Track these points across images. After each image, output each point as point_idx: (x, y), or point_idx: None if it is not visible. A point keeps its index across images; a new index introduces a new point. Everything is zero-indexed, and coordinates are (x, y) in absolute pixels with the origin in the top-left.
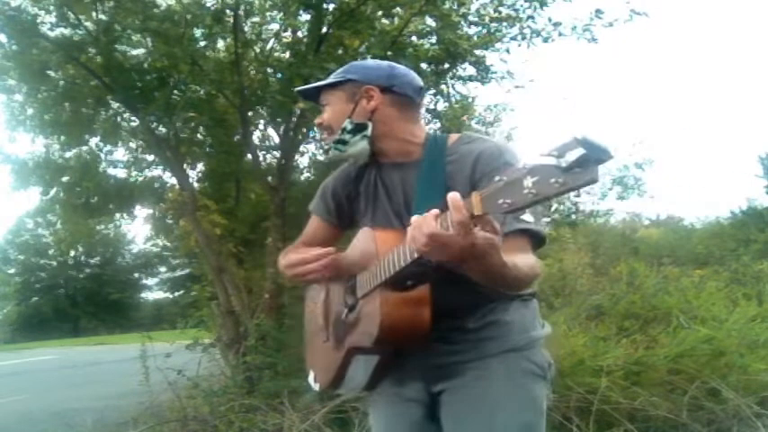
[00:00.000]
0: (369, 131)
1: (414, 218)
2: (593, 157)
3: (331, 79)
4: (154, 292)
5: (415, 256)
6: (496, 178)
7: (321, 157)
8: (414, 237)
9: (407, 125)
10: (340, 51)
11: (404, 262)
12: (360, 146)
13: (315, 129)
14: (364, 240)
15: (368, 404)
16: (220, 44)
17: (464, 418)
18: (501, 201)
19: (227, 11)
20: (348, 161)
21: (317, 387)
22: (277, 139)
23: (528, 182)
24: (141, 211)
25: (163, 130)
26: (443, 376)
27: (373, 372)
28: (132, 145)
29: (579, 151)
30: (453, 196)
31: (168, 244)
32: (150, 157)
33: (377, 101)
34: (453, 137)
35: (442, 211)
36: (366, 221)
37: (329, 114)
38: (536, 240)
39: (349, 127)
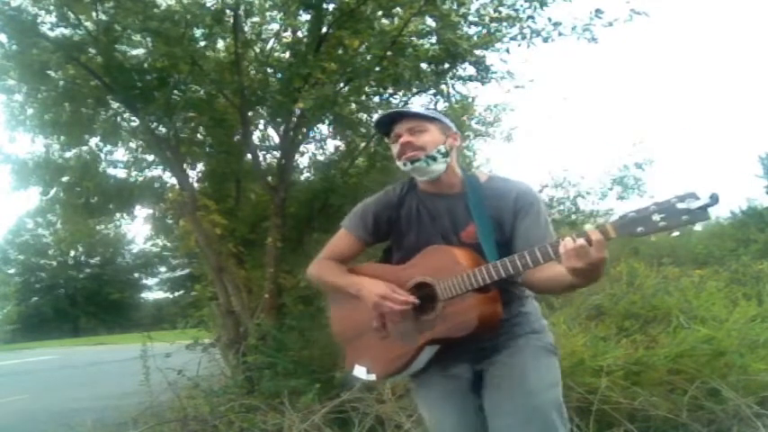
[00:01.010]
0: (449, 159)
1: (565, 242)
2: (712, 204)
3: (431, 114)
4: (154, 292)
5: (520, 267)
6: (629, 213)
7: (321, 158)
8: (571, 252)
9: (456, 165)
10: (340, 51)
11: (506, 273)
12: (441, 167)
13: (314, 129)
14: (439, 255)
15: (415, 386)
16: (220, 44)
17: (504, 383)
18: (638, 228)
19: (227, 11)
20: (389, 187)
21: (371, 377)
22: (277, 139)
23: (656, 216)
24: (141, 211)
25: (163, 130)
26: (485, 356)
27: (432, 357)
28: (132, 145)
29: (706, 200)
30: (591, 229)
31: (168, 244)
32: (150, 157)
33: (457, 143)
34: (482, 176)
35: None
36: (409, 240)
37: (427, 138)
38: None
39: (443, 150)
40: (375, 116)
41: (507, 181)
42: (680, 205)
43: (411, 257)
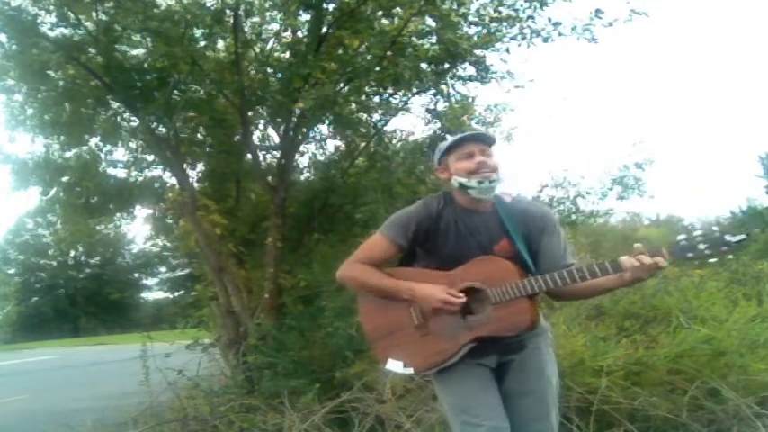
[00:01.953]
0: None
1: (626, 258)
2: (746, 240)
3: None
4: (154, 292)
5: (577, 279)
6: (681, 241)
7: (321, 158)
8: (640, 267)
9: None
10: (340, 51)
11: (563, 283)
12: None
13: (314, 129)
14: (491, 264)
15: (442, 377)
16: (220, 44)
17: (528, 374)
18: (689, 254)
19: (227, 11)
20: (426, 199)
21: (407, 371)
22: (277, 139)
23: (702, 246)
24: (141, 211)
25: (163, 130)
26: (511, 350)
27: (467, 351)
28: (132, 145)
29: (741, 236)
30: (644, 256)
31: (168, 244)
32: (150, 157)
33: None
34: (507, 197)
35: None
36: (446, 250)
37: (496, 161)
38: None
39: (502, 172)
40: (448, 142)
41: (530, 203)
42: (723, 238)
43: (448, 266)
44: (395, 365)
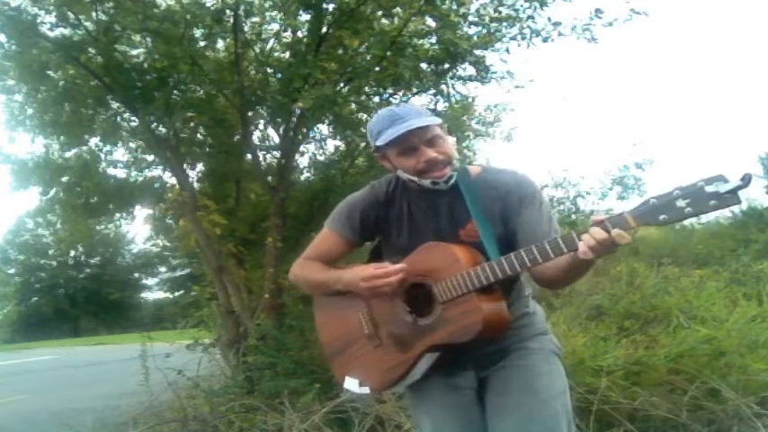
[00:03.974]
0: None
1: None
2: (743, 186)
3: (436, 120)
4: (154, 292)
5: (528, 264)
6: (650, 199)
7: (321, 158)
8: (593, 243)
9: None
10: (340, 51)
11: (512, 270)
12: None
13: (314, 129)
14: (435, 253)
15: (412, 398)
16: (220, 44)
17: (512, 386)
18: (661, 216)
19: (227, 11)
20: (375, 182)
21: (364, 390)
22: (277, 139)
23: (681, 202)
24: (141, 211)
25: (163, 130)
26: (491, 362)
27: (431, 366)
28: (132, 145)
29: (736, 183)
30: (604, 216)
31: (168, 244)
32: (150, 157)
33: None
34: (474, 169)
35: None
36: (401, 241)
37: (447, 147)
38: None
39: (457, 155)
40: (384, 136)
41: (503, 172)
42: (707, 189)
43: (403, 258)
44: (351, 384)
